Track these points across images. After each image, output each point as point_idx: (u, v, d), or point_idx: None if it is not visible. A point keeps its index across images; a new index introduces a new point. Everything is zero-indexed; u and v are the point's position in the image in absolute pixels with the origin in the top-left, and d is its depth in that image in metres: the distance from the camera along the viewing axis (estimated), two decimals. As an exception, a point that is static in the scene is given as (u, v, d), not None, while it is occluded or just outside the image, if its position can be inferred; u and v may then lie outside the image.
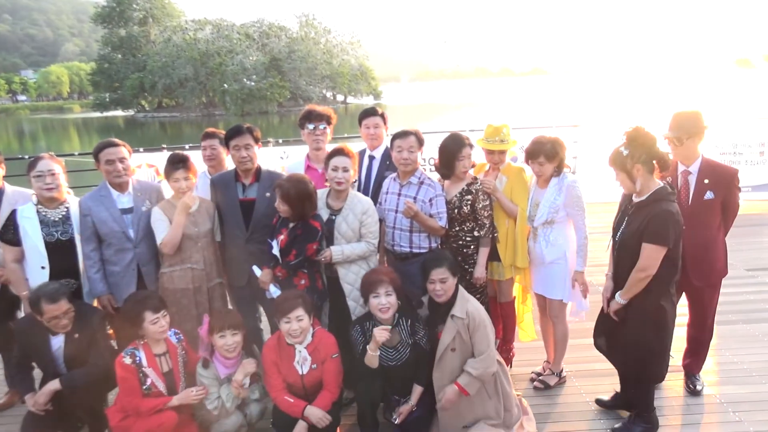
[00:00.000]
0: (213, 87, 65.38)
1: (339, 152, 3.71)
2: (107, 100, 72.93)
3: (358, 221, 3.70)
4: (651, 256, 3.17)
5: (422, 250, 3.88)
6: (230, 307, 4.08)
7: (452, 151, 3.86)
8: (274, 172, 4.09)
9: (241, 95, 62.71)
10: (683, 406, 3.85)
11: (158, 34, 71.76)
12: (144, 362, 3.38)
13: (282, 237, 3.66)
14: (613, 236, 3.50)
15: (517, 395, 3.85)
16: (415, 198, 3.86)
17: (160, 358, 3.46)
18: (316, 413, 3.35)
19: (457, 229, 3.92)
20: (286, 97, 66.94)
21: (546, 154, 3.79)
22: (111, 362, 3.49)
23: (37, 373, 3.67)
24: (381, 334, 3.32)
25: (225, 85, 63.61)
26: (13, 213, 3.77)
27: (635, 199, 3.30)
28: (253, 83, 64.03)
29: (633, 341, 3.38)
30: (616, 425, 3.64)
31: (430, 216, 3.84)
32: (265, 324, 4.36)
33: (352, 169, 3.71)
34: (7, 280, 3.91)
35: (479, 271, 3.89)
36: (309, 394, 3.50)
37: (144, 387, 3.37)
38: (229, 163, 4.39)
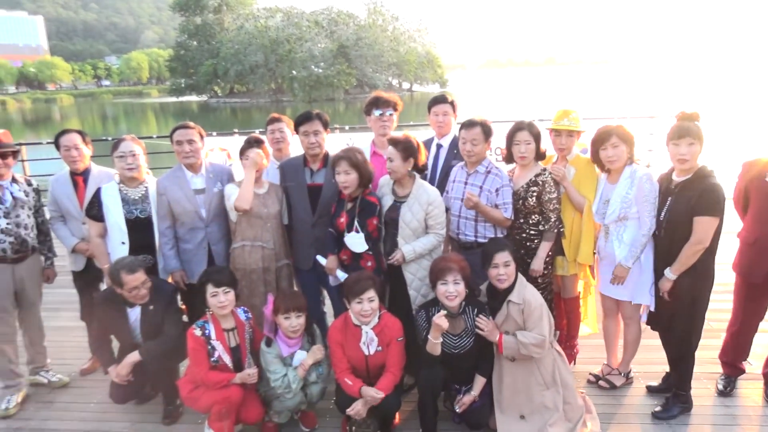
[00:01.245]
0: (282, 74, 66.68)
1: (390, 141, 3.72)
2: (183, 85, 75.85)
3: (423, 211, 3.67)
4: (706, 229, 3.34)
5: (486, 240, 3.82)
6: (295, 288, 4.16)
7: (509, 134, 3.80)
8: None
9: (309, 82, 63.70)
10: (762, 417, 3.63)
11: (231, 21, 73.85)
12: (213, 335, 3.52)
13: (342, 219, 3.70)
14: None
15: (581, 393, 3.75)
16: (481, 187, 3.80)
17: (228, 333, 3.59)
18: (369, 392, 3.38)
19: (522, 221, 3.84)
20: (353, 84, 67.44)
21: (618, 134, 3.63)
22: (183, 334, 3.67)
23: (115, 345, 3.89)
24: (440, 320, 3.31)
25: (293, 71, 64.78)
26: (98, 191, 3.98)
27: (678, 179, 3.48)
28: (320, 70, 64.91)
29: (684, 306, 3.52)
30: (657, 408, 3.68)
31: (496, 206, 3.77)
32: (328, 307, 4.43)
33: (397, 159, 3.66)
34: (92, 254, 4.15)
35: (537, 264, 3.80)
36: (372, 376, 3.54)
37: (212, 359, 3.51)
38: (292, 149, 4.46)
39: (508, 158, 3.91)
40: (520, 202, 3.79)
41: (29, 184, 4.13)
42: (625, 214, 3.63)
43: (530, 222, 3.82)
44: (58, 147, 4.26)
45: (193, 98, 76.00)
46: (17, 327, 4.20)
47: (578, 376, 4.06)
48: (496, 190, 3.77)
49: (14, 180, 4.01)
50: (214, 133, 8.32)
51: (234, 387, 3.49)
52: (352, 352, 3.50)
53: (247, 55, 66.79)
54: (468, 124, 3.83)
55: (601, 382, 4.02)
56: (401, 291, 3.77)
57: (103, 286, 4.28)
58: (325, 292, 4.35)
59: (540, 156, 3.85)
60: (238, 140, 6.98)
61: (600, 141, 3.68)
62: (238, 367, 3.59)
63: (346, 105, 58.79)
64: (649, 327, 3.83)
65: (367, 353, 3.49)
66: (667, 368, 3.87)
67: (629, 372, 4.04)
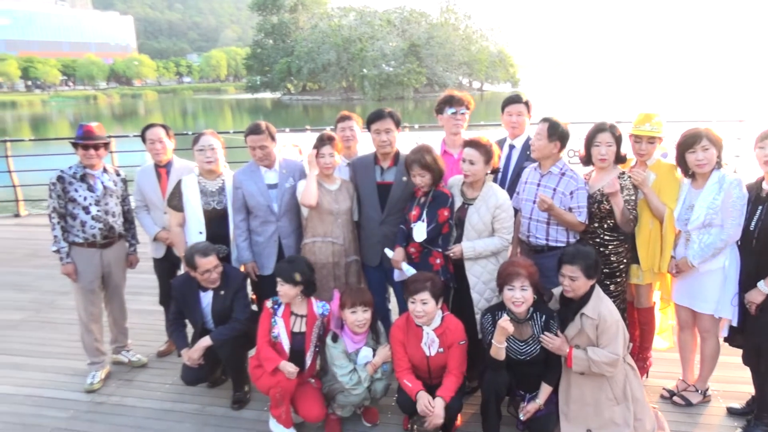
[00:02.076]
0: (353, 72, 67.47)
1: (469, 144, 3.65)
2: (258, 82, 78.29)
3: (490, 214, 3.62)
4: None
5: (559, 244, 3.71)
6: (362, 285, 4.21)
7: (589, 135, 3.68)
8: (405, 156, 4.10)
9: (379, 80, 64.14)
10: None
11: (306, 20, 75.44)
12: (279, 313, 3.64)
13: (414, 212, 3.71)
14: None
15: (653, 408, 3.58)
16: (555, 189, 3.69)
17: (295, 318, 3.68)
18: (423, 400, 3.35)
19: (596, 225, 3.70)
20: (423, 83, 67.38)
21: (708, 137, 3.43)
22: (250, 321, 3.83)
23: (189, 330, 4.06)
24: (505, 324, 3.24)
25: (364, 70, 65.40)
26: (179, 182, 4.17)
27: None
28: (391, 69, 65.22)
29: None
30: (737, 431, 3.49)
31: (570, 209, 3.66)
32: (393, 305, 4.45)
33: (480, 163, 3.60)
34: (171, 243, 4.35)
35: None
36: (433, 377, 3.53)
37: (272, 335, 3.63)
38: (361, 146, 4.48)
39: (586, 160, 3.79)
40: (596, 205, 3.66)
41: (118, 174, 4.39)
42: (711, 221, 3.44)
43: (605, 227, 3.69)
44: (144, 140, 4.49)
45: (268, 95, 78.23)
46: (103, 308, 4.48)
47: (651, 390, 3.89)
48: (571, 193, 3.66)
49: (105, 170, 4.27)
50: (287, 130, 8.53)
51: (283, 374, 3.56)
52: (414, 351, 3.50)
53: (320, 54, 68.04)
54: (540, 122, 3.76)
55: (675, 398, 3.82)
56: (465, 293, 3.73)
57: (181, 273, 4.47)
58: (391, 290, 4.37)
59: (619, 159, 3.70)
60: (310, 137, 7.12)
61: (688, 144, 3.49)
62: (299, 355, 3.67)
63: (415, 104, 58.79)
64: (727, 344, 3.62)
65: (428, 354, 3.48)
66: (750, 389, 3.63)
67: (707, 389, 3.82)
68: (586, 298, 3.34)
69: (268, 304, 3.70)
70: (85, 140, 4.11)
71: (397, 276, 3.90)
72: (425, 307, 3.37)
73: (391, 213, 3.96)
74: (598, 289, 3.39)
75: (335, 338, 3.60)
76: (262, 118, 4.28)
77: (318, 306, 3.74)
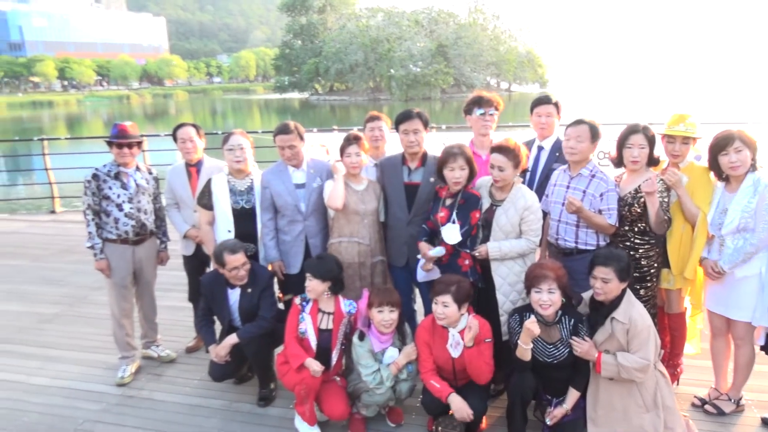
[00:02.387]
0: (380, 72, 67.61)
1: (497, 149, 3.59)
2: (286, 83, 79.04)
3: (518, 216, 3.58)
4: None
5: (588, 247, 3.66)
6: (388, 285, 4.21)
7: (622, 136, 3.62)
8: (433, 157, 4.08)
9: (407, 81, 64.17)
10: None
11: (334, 21, 75.89)
12: (307, 309, 3.67)
13: (442, 214, 3.69)
14: None
15: (684, 416, 3.50)
16: (584, 191, 3.64)
17: (322, 315, 3.70)
18: (458, 403, 3.34)
19: (627, 228, 3.63)
20: (450, 83, 67.21)
21: (741, 139, 3.34)
22: (276, 320, 3.88)
23: (217, 327, 4.12)
24: (532, 325, 3.21)
25: (392, 70, 65.49)
26: (209, 181, 4.23)
27: None
28: (418, 69, 65.22)
29: None
30: None
31: (599, 212, 3.60)
32: (419, 305, 4.44)
33: (509, 168, 3.57)
34: (201, 241, 4.42)
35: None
36: (458, 378, 3.51)
37: (300, 331, 3.66)
38: (388, 147, 4.48)
39: (618, 162, 3.73)
40: (626, 208, 3.60)
41: (150, 172, 4.48)
42: (746, 225, 3.35)
43: (635, 230, 3.62)
44: (175, 139, 4.57)
45: (296, 95, 78.88)
46: (134, 303, 4.57)
47: (681, 398, 3.80)
48: (601, 195, 3.61)
49: (137, 168, 4.36)
50: (315, 130, 8.58)
51: (308, 371, 3.58)
52: (439, 352, 3.49)
53: (347, 54, 68.33)
54: (575, 122, 3.70)
55: (707, 407, 3.73)
56: (491, 295, 3.70)
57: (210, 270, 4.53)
58: (416, 290, 4.36)
59: (652, 162, 3.64)
60: (338, 137, 7.15)
61: (721, 146, 3.40)
62: (326, 353, 3.69)
63: (442, 104, 58.65)
64: (763, 352, 3.52)
65: (453, 355, 3.46)
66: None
67: (740, 399, 3.72)
68: (616, 302, 3.28)
69: (297, 300, 3.74)
70: (119, 139, 4.20)
71: (421, 276, 3.89)
72: (446, 309, 3.36)
73: (418, 213, 3.95)
74: (629, 293, 3.33)
75: (362, 336, 3.61)
76: (290, 118, 4.32)
77: (345, 304, 3.76)
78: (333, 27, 75.49)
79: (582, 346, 3.27)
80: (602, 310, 3.33)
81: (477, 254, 3.62)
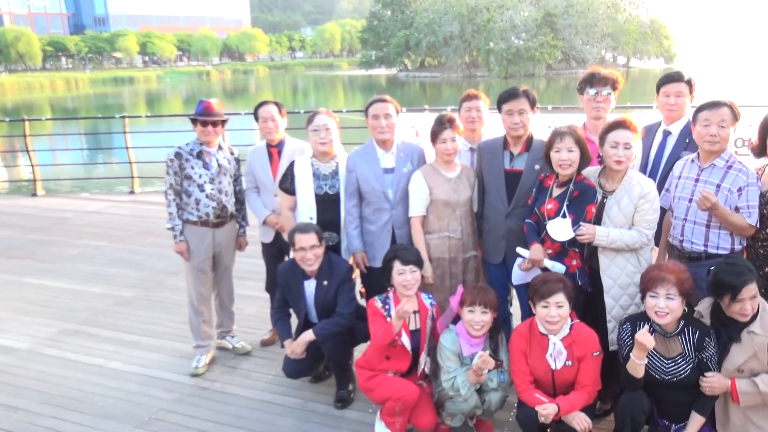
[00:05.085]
0: (477, 46, 66.70)
1: (620, 125, 3.46)
2: (372, 58, 79.73)
3: (633, 205, 3.44)
4: None
5: (720, 251, 3.46)
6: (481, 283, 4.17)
7: (766, 119, 3.42)
8: (539, 141, 3.98)
9: (507, 55, 62.87)
10: None
11: (429, -12, 75.45)
12: (393, 312, 3.66)
13: (550, 206, 3.59)
14: None
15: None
16: (718, 186, 3.44)
17: (410, 315, 3.71)
18: (578, 416, 3.25)
19: (768, 231, 3.41)
20: (557, 58, 65.25)
21: None
22: (356, 318, 3.95)
23: (294, 321, 4.24)
24: (644, 338, 3.06)
25: (491, 43, 64.40)
26: (292, 164, 4.36)
27: None
28: (521, 42, 63.68)
29: None
30: None
31: (736, 209, 3.40)
32: (515, 308, 4.37)
33: (635, 146, 3.44)
34: (282, 228, 4.56)
35: None
36: (558, 394, 3.43)
37: (394, 340, 3.64)
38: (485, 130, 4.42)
39: (760, 151, 3.49)
40: (769, 207, 3.37)
41: (231, 153, 4.70)
42: None
43: (781, 233, 3.39)
44: (256, 118, 4.74)
45: (383, 71, 79.49)
46: (212, 290, 4.82)
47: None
48: (739, 189, 3.40)
49: (219, 147, 4.59)
50: (404, 110, 8.60)
51: (411, 386, 3.61)
52: (537, 363, 3.42)
53: (441, 25, 67.90)
54: (712, 105, 3.48)
55: None
56: (598, 299, 3.59)
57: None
58: (513, 292, 4.29)
59: (805, 151, 3.37)
60: (428, 117, 7.14)
61: None
62: (415, 354, 3.71)
63: (547, 82, 57.07)
64: None
65: (553, 367, 3.38)
66: None
67: None
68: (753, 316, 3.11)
69: (377, 304, 3.73)
70: (204, 116, 4.42)
71: (518, 278, 3.82)
72: (560, 311, 3.28)
73: (518, 205, 3.87)
74: (763, 302, 3.16)
75: (455, 321, 3.62)
76: (375, 96, 4.32)
77: (425, 298, 3.79)
78: (427, -5, 75.25)
79: (711, 382, 3.12)
80: (736, 325, 3.14)
81: (582, 236, 3.46)
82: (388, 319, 3.65)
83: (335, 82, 73.36)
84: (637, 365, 3.16)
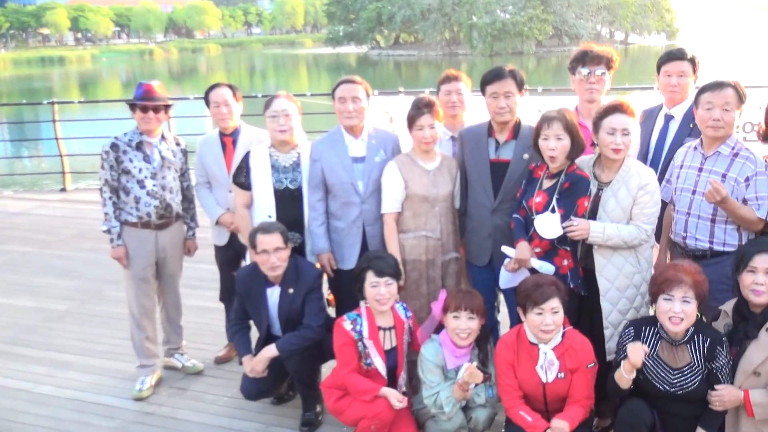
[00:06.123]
0: (459, 20, 66.87)
1: (616, 109, 3.49)
2: (340, 34, 79.44)
3: (631, 198, 3.49)
4: None
5: (727, 248, 3.54)
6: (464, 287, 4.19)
7: None
8: (527, 127, 4.00)
9: (492, 31, 63.17)
10: None
11: (403, -45, 75.44)
12: (365, 333, 3.66)
13: (538, 199, 3.63)
14: None
15: None
16: (724, 175, 3.51)
17: (383, 332, 3.72)
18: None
19: (781, 224, 3.49)
20: (548, 33, 65.81)
21: None
22: (325, 330, 3.91)
23: (254, 334, 4.22)
24: (635, 353, 3.12)
25: (473, 17, 64.63)
26: (247, 155, 4.32)
27: None
28: (508, 15, 64.06)
29: None
30: None
31: (744, 201, 3.47)
32: (503, 315, 4.41)
33: (635, 131, 3.51)
34: (236, 228, 4.53)
35: None
36: (550, 410, 3.47)
37: (364, 363, 3.66)
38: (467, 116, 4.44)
39: (767, 136, 3.56)
40: (782, 198, 3.45)
41: (177, 143, 4.64)
42: None
43: (792, 226, 3.48)
44: (207, 103, 4.69)
45: (352, 49, 79.31)
46: (156, 302, 4.76)
47: None
48: (746, 180, 3.48)
49: (163, 138, 4.53)
50: (376, 93, 8.60)
51: (385, 402, 3.59)
52: (526, 375, 3.45)
53: (418, -3, 67.91)
54: (715, 86, 3.53)
55: None
56: (593, 303, 3.64)
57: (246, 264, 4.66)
58: (501, 297, 4.33)
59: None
60: (404, 101, 7.16)
61: None
62: (391, 375, 3.72)
63: (537, 61, 57.60)
64: None
65: (544, 380, 3.42)
66: None
67: None
68: None
69: (346, 326, 3.69)
70: (144, 101, 4.36)
71: (506, 281, 3.84)
72: (556, 317, 3.32)
73: (505, 199, 3.90)
74: None
75: (438, 330, 3.63)
76: (343, 77, 4.32)
77: (401, 310, 3.80)
78: (400, -37, 75.27)
79: (722, 396, 3.17)
80: (753, 321, 3.21)
81: (573, 232, 3.48)
82: (359, 345, 3.65)
83: (298, 62, 73.14)
84: (624, 377, 3.22)
